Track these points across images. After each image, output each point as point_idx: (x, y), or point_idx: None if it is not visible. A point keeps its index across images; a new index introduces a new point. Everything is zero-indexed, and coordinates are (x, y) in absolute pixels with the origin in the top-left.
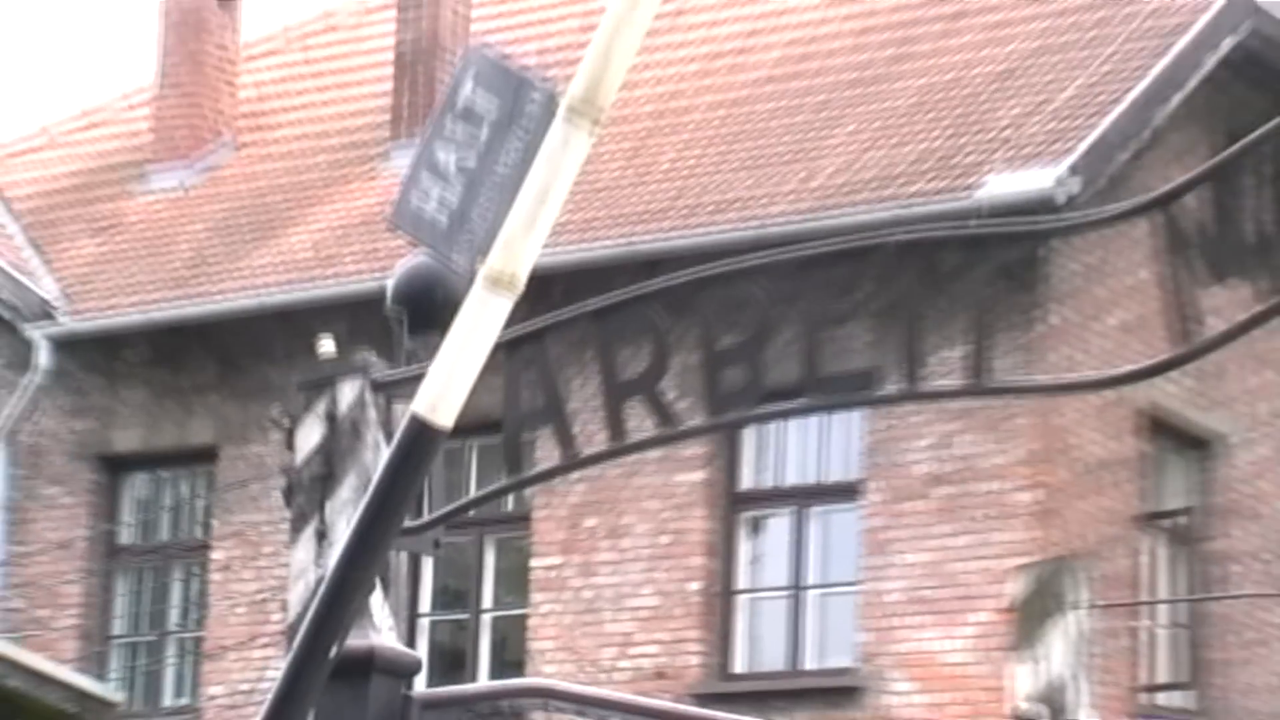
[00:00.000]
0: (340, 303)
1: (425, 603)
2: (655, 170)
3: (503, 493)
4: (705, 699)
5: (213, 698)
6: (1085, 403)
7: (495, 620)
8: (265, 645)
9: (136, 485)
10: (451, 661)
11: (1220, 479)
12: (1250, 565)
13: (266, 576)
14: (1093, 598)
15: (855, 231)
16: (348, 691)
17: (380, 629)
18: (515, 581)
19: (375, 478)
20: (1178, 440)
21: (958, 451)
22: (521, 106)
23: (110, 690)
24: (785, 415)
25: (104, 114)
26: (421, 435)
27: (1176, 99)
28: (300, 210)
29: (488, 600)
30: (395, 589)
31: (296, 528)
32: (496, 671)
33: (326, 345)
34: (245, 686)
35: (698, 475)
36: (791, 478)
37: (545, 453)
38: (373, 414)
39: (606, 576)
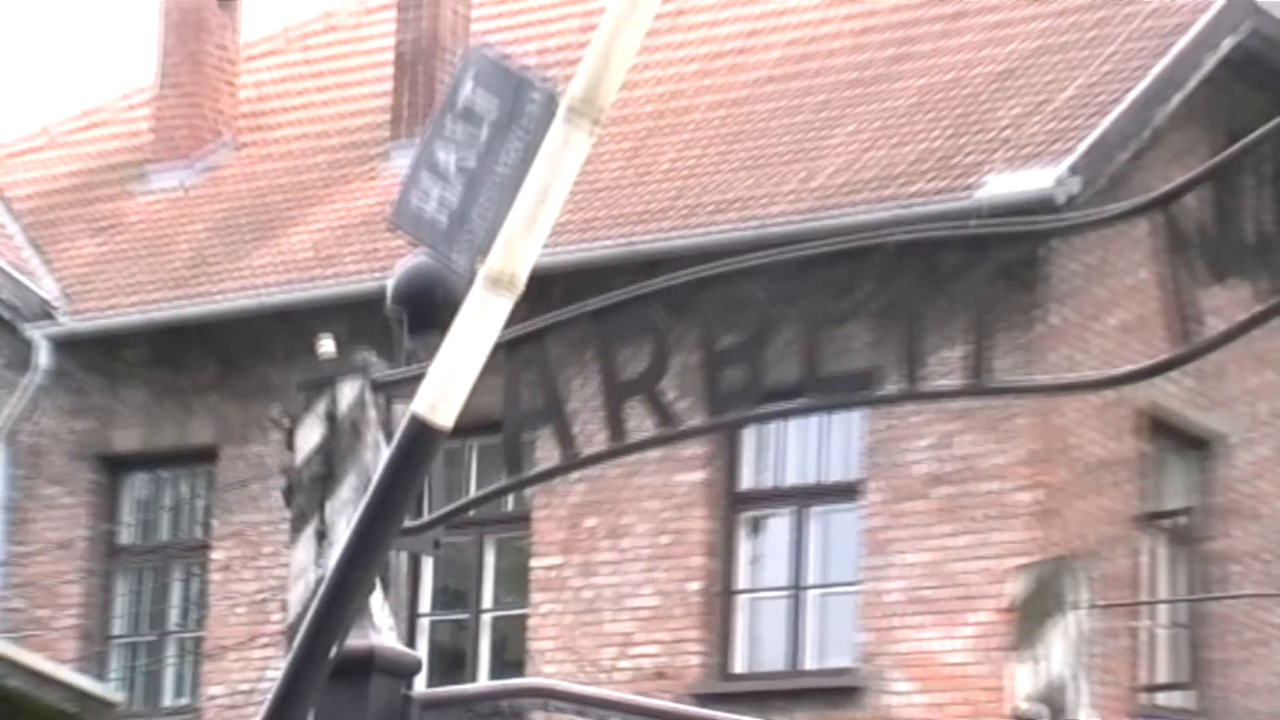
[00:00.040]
0: (340, 303)
1: (425, 603)
2: (655, 170)
3: (503, 493)
4: (705, 699)
5: (213, 697)
6: (1085, 403)
7: (495, 620)
8: (265, 645)
9: (136, 485)
10: (451, 661)
11: (1220, 479)
12: (1250, 565)
13: (266, 576)
14: (1093, 598)
15: (855, 231)
16: (348, 691)
17: (380, 629)
18: (515, 581)
19: (375, 478)
20: (1178, 440)
21: (958, 451)
22: (521, 106)
23: (110, 690)
24: (785, 415)
25: (104, 114)
26: (421, 435)
27: (1176, 99)
28: (300, 210)
29: (488, 600)
30: (395, 589)
31: (296, 528)
32: (496, 671)
33: (326, 345)
34: (245, 686)
35: (698, 475)
36: (791, 478)
37: (545, 453)
38: (373, 414)
39: (606, 576)
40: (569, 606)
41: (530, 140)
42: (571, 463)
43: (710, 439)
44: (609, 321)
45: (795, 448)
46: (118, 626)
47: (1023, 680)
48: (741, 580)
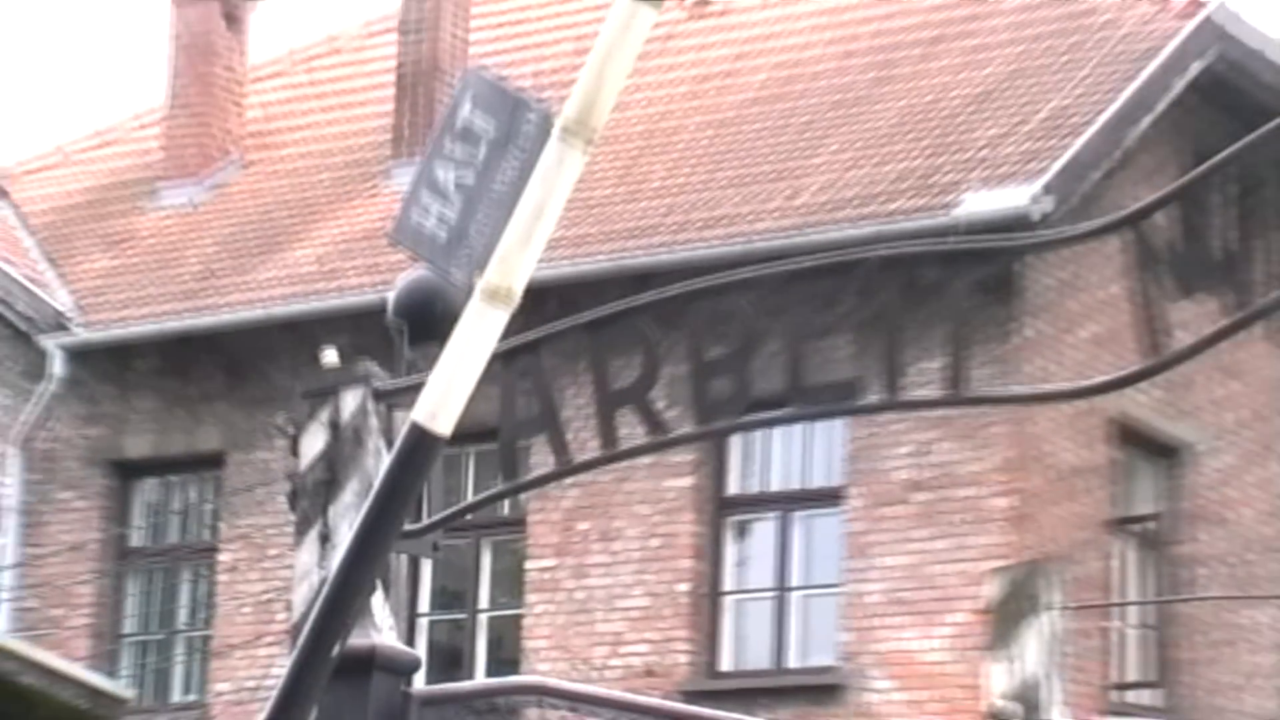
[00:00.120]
0: (343, 315)
1: (424, 603)
2: (646, 188)
3: (499, 497)
4: (693, 696)
5: (220, 694)
6: (1058, 412)
7: (491, 620)
8: (270, 644)
9: (147, 490)
10: (449, 660)
11: (1188, 486)
12: (1216, 568)
13: (272, 578)
14: (1065, 599)
15: (838, 247)
16: (349, 688)
17: (381, 628)
18: (511, 583)
19: (376, 483)
20: (1147, 448)
21: (936, 459)
22: (518, 126)
23: (121, 687)
24: (770, 424)
25: (116, 133)
26: (421, 442)
27: (1146, 121)
28: (305, 226)
29: (484, 601)
30: (395, 590)
31: (301, 531)
32: (493, 669)
33: (330, 355)
34: (251, 683)
35: (686, 481)
36: (776, 483)
37: (540, 459)
38: (374, 422)
39: (598, 578)
40: (562, 607)
41: (526, 159)
42: (565, 469)
43: (698, 446)
44: (601, 333)
45: (780, 455)
46: (128, 626)
47: (998, 678)
48: (728, 582)
